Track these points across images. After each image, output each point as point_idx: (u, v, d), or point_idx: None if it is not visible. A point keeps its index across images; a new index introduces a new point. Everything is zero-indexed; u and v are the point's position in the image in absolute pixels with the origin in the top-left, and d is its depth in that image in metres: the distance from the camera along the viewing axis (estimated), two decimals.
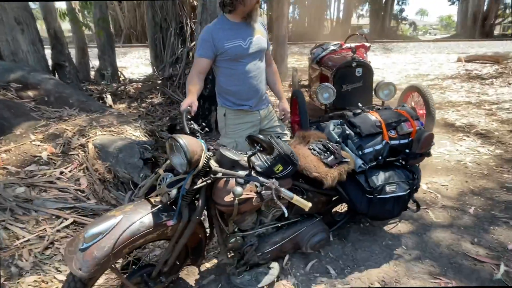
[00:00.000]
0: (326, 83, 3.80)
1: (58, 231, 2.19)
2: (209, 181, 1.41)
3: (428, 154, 1.98)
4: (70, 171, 2.66)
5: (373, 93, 4.03)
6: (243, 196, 1.42)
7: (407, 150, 1.92)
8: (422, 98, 3.71)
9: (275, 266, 1.83)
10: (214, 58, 2.02)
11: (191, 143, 1.33)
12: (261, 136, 1.31)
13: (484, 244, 2.08)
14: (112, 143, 2.82)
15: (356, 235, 2.21)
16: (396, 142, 1.88)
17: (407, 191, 1.87)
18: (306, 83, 5.96)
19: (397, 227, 2.27)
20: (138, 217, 1.35)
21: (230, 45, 1.96)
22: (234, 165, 1.51)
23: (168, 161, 1.53)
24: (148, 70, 8.53)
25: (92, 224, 1.33)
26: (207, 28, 2.00)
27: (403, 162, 1.98)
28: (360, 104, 2.12)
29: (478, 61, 9.40)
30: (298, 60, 11.71)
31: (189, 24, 6.76)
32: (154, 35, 6.91)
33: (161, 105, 5.49)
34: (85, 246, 1.26)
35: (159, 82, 6.12)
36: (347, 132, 1.89)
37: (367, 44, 4.92)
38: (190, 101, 1.81)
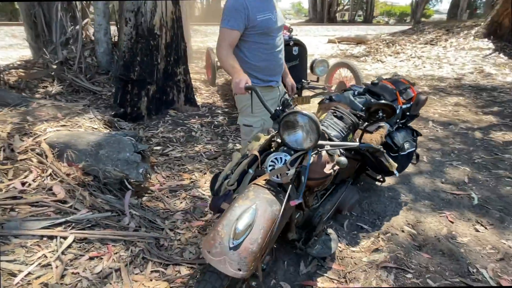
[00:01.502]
0: None
1: (63, 253, 1.73)
2: (322, 153, 1.39)
3: (418, 115, 2.39)
4: (33, 180, 2.08)
5: (309, 70, 4.40)
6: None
7: (407, 113, 2.27)
8: (352, 73, 4.26)
9: (332, 232, 1.93)
10: (243, 31, 1.89)
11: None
12: (381, 102, 1.37)
13: (450, 181, 2.67)
14: (78, 140, 2.30)
15: (361, 194, 2.50)
16: (405, 106, 2.20)
17: (415, 147, 2.23)
18: None
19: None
20: (268, 202, 1.24)
21: (262, 17, 1.88)
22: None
23: (250, 145, 1.42)
24: (23, 53, 6.87)
25: (228, 219, 1.16)
26: None
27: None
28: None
29: (344, 43, 11.09)
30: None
31: None
32: (30, 10, 5.59)
33: (63, 94, 4.61)
34: (236, 243, 1.10)
35: (54, 67, 5.06)
36: (372, 100, 2.10)
37: (287, 25, 5.23)
38: (245, 78, 1.68)
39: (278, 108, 1.46)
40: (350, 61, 4.41)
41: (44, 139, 2.30)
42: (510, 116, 4.30)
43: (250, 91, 2.03)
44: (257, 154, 1.41)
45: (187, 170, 2.98)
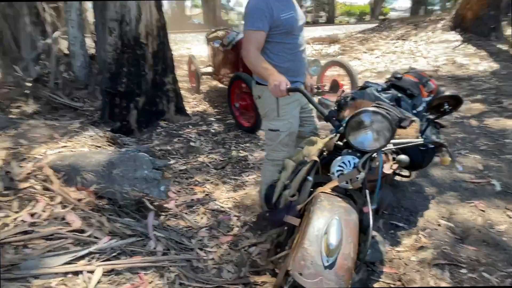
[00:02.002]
0: None
1: None
2: (394, 154, 1.31)
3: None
4: (43, 211, 1.84)
5: None
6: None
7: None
8: (345, 71, 4.26)
9: (377, 234, 1.86)
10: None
11: None
12: (446, 94, 1.31)
13: (466, 170, 2.69)
14: (85, 161, 2.08)
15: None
16: (428, 99, 2.18)
17: (440, 140, 2.21)
18: (206, 70, 5.79)
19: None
20: (346, 211, 1.14)
21: (286, 16, 1.78)
22: None
23: (304, 150, 1.32)
24: None
25: (313, 234, 1.04)
26: None
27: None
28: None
29: (317, 43, 11.23)
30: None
31: (46, 9, 5.39)
32: None
33: (41, 113, 4.27)
34: (331, 261, 0.98)
35: (28, 85, 4.68)
36: (399, 95, 2.06)
37: None
38: (285, 79, 1.57)
39: (333, 109, 1.36)
40: (343, 59, 4.43)
41: (46, 163, 2.06)
42: (495, 103, 4.47)
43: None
44: (317, 159, 1.30)
45: (197, 183, 2.81)
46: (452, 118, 3.94)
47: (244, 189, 2.69)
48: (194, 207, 2.43)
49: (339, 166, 1.26)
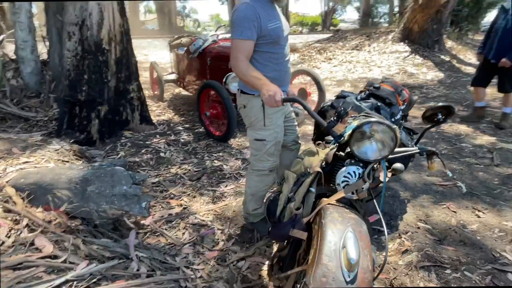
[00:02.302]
0: (232, 73, 3.80)
1: None
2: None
3: (407, 115, 2.50)
4: (7, 236, 1.63)
5: None
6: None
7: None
8: (312, 79, 4.36)
9: None
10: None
11: None
12: (439, 105, 1.36)
13: (433, 174, 2.86)
14: (54, 178, 1.89)
15: None
16: (402, 107, 2.28)
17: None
18: (170, 77, 5.64)
19: None
20: (357, 222, 1.13)
21: (273, 26, 1.76)
22: None
23: (305, 162, 1.31)
24: None
25: (330, 249, 1.01)
26: (248, 6, 1.70)
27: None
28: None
29: None
30: None
31: None
32: None
33: None
34: (352, 276, 0.96)
35: None
36: (378, 104, 2.13)
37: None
38: (279, 89, 1.54)
39: (333, 119, 1.36)
40: (309, 68, 4.52)
41: (7, 182, 1.83)
42: None
43: (261, 105, 1.89)
44: (320, 170, 1.29)
45: (172, 196, 2.68)
46: (412, 125, 4.19)
47: (223, 200, 2.62)
48: (173, 222, 2.31)
49: (344, 177, 1.26)
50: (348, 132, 1.36)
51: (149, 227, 2.19)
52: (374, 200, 1.28)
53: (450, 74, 7.41)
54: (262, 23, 1.71)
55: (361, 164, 1.27)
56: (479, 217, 2.26)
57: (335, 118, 1.37)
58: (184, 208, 2.50)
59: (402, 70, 7.75)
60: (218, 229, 2.24)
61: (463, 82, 6.59)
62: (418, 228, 2.16)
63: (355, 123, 1.35)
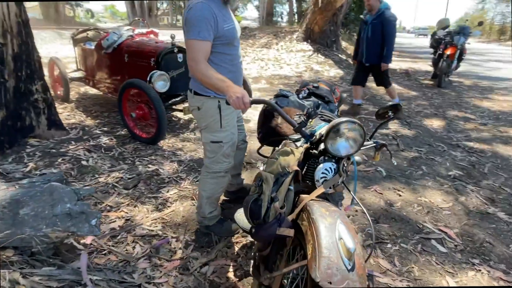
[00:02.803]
0: (158, 71, 3.64)
1: None
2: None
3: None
4: None
5: None
6: None
7: None
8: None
9: None
10: None
11: None
12: (390, 104, 1.53)
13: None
14: None
15: None
16: (336, 104, 2.51)
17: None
18: (75, 75, 5.07)
19: None
20: (341, 214, 1.22)
21: (228, 27, 1.75)
22: None
23: (281, 161, 1.36)
24: None
25: (328, 241, 1.08)
26: (204, 5, 1.64)
27: None
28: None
29: None
30: None
31: None
32: None
33: None
34: (352, 263, 1.05)
35: None
36: (319, 102, 2.29)
37: (157, 30, 4.91)
38: (245, 91, 1.54)
39: (303, 120, 1.44)
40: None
41: None
42: (352, 103, 5.46)
43: (217, 106, 1.87)
44: (298, 169, 1.35)
45: (109, 208, 2.44)
46: None
47: (169, 206, 2.50)
48: (119, 237, 2.11)
49: (322, 173, 1.35)
50: (319, 131, 1.45)
51: (91, 246, 1.97)
52: (352, 193, 1.40)
53: (348, 71, 8.34)
54: (218, 23, 1.68)
55: (333, 160, 1.37)
56: (400, 195, 2.65)
57: (305, 118, 1.45)
58: (127, 220, 2.31)
59: (308, 67, 8.41)
60: (172, 237, 2.14)
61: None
62: (356, 211, 2.43)
63: (322, 124, 1.46)
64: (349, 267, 1.05)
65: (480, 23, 11.77)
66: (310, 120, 1.47)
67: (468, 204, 2.54)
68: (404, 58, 13.24)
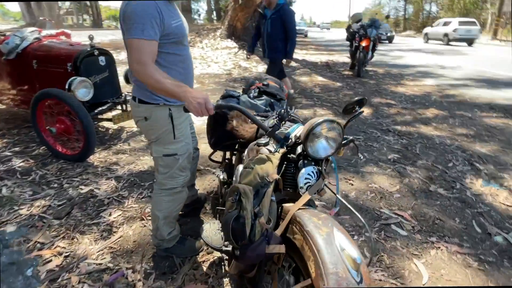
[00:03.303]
0: (78, 77, 3.20)
1: None
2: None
3: None
4: None
5: (123, 81, 3.91)
6: None
7: None
8: None
9: None
10: None
11: None
12: (356, 99, 1.48)
13: None
14: None
15: None
16: (286, 101, 2.45)
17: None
18: None
19: None
20: (333, 220, 1.14)
21: (176, 23, 1.54)
22: None
23: (258, 171, 1.24)
24: None
25: (331, 255, 0.98)
26: (148, 2, 1.40)
27: None
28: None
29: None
30: None
31: None
32: None
33: None
34: (360, 274, 0.97)
35: None
36: (272, 100, 2.20)
37: (68, 31, 4.32)
38: (207, 95, 1.36)
39: (276, 123, 1.33)
40: None
41: None
42: None
43: (168, 114, 1.65)
44: (279, 177, 1.23)
45: (40, 245, 2.03)
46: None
47: (115, 232, 2.18)
48: (60, 280, 1.76)
49: (306, 178, 1.25)
50: (293, 133, 1.35)
51: None
52: (338, 195, 1.33)
53: None
54: (165, 20, 1.47)
55: (313, 163, 1.29)
56: (352, 185, 2.72)
57: (277, 121, 1.34)
58: (67, 257, 1.94)
59: (236, 65, 8.35)
60: (127, 268, 1.85)
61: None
62: (317, 206, 2.41)
63: (295, 125, 1.37)
64: (358, 279, 0.97)
65: (387, 17, 13.02)
66: (283, 122, 1.36)
67: (412, 185, 2.73)
68: (321, 52, 14.06)
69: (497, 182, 2.78)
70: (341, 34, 20.26)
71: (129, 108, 3.74)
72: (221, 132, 2.14)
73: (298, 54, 11.51)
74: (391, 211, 2.35)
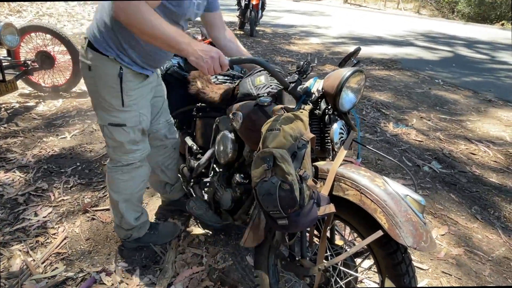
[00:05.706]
0: None
1: None
2: None
3: None
4: None
5: None
6: None
7: None
8: (55, 37, 3.28)
9: None
10: None
11: None
12: (351, 51, 1.42)
13: None
14: None
15: None
16: None
17: None
18: None
19: None
20: (372, 171, 1.12)
21: None
22: None
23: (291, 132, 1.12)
24: None
25: (396, 203, 0.97)
26: None
27: None
28: None
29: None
30: None
31: None
32: None
33: None
34: (425, 216, 1.00)
35: None
36: None
37: None
38: (215, 48, 1.10)
39: (298, 78, 1.20)
40: (49, 23, 3.33)
41: None
42: None
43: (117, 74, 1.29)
44: (314, 135, 1.13)
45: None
46: None
47: (55, 234, 1.72)
48: None
49: (340, 133, 1.18)
50: (313, 88, 1.26)
51: None
52: (363, 145, 1.30)
53: None
54: None
55: (337, 118, 1.23)
56: None
57: (299, 75, 1.21)
58: (7, 279, 1.45)
59: None
60: (97, 272, 1.50)
61: None
62: None
63: (312, 80, 1.27)
64: (426, 221, 1.01)
65: None
66: (304, 76, 1.24)
67: None
68: None
69: (403, 123, 3.29)
70: None
71: (7, 78, 2.87)
72: (176, 96, 1.86)
73: None
74: None
